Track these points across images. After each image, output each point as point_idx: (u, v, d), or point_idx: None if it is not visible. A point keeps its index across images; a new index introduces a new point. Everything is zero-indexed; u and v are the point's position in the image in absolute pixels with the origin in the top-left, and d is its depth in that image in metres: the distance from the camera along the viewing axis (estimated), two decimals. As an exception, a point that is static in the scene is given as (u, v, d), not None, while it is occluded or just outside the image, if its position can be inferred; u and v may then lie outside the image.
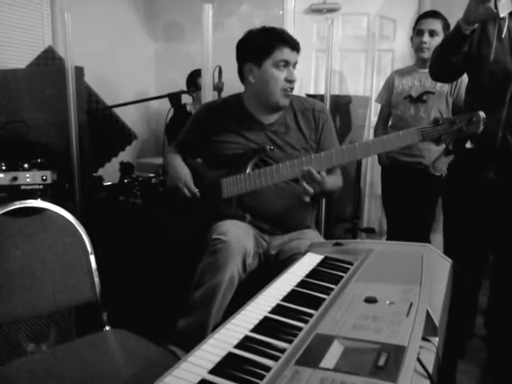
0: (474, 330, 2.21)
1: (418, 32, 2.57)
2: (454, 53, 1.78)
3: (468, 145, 1.77)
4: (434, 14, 2.56)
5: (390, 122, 2.82)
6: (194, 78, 3.42)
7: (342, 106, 3.21)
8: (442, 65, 1.87)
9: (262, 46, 1.75)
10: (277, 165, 1.71)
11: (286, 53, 1.74)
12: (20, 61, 2.91)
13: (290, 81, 1.76)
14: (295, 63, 1.78)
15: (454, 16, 1.76)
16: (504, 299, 1.98)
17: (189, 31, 3.94)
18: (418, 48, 2.58)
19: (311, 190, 1.63)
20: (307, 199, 1.69)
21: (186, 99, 3.45)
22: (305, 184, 1.62)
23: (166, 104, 3.44)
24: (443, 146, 2.33)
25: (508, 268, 1.92)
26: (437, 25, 2.51)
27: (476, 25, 1.70)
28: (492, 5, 1.58)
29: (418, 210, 2.69)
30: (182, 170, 1.91)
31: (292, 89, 1.79)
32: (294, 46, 1.75)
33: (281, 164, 1.70)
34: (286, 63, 1.75)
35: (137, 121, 3.88)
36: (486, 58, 1.75)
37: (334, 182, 1.83)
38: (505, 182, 1.79)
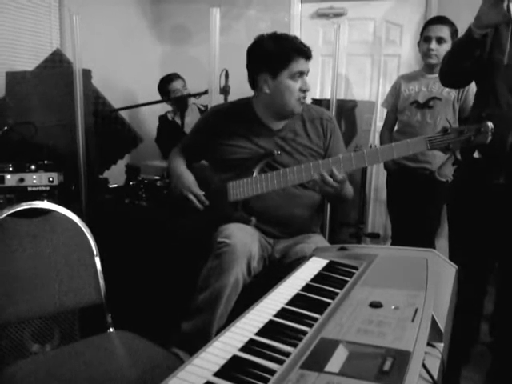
0: (478, 336, 2.20)
1: (425, 38, 2.56)
2: (465, 58, 1.76)
3: (476, 155, 1.76)
4: (441, 20, 2.55)
5: (396, 127, 2.82)
6: (164, 86, 3.34)
7: (347, 111, 3.21)
8: (453, 70, 1.85)
9: (278, 57, 1.73)
10: (284, 169, 1.71)
11: (301, 64, 1.73)
12: (28, 63, 2.92)
13: (305, 90, 1.77)
14: (308, 71, 1.78)
15: (462, 20, 1.75)
16: (510, 306, 1.96)
17: (195, 35, 3.95)
18: (425, 54, 2.58)
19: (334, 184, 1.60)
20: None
21: (167, 107, 3.44)
22: (327, 182, 1.60)
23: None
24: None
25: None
26: (444, 31, 2.50)
27: (488, 29, 1.68)
28: (505, 8, 1.56)
29: (423, 216, 2.69)
30: (187, 178, 1.91)
31: (305, 97, 1.80)
32: (308, 55, 1.75)
33: (288, 169, 1.70)
34: (301, 74, 1.75)
35: (143, 124, 3.90)
36: (498, 62, 1.73)
37: (349, 189, 1.83)
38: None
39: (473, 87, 1.97)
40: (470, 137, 1.45)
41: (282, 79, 1.74)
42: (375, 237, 3.60)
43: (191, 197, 1.85)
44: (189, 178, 1.91)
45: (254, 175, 1.76)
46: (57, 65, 2.76)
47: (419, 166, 2.65)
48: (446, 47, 2.41)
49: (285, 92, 1.76)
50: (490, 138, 1.43)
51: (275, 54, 1.74)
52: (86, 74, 2.62)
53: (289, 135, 1.84)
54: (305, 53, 1.74)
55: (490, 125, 1.42)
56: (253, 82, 1.84)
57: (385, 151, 1.58)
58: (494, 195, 1.81)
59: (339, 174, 1.59)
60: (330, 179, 1.58)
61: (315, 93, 3.81)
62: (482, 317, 2.19)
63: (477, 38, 1.68)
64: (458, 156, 1.89)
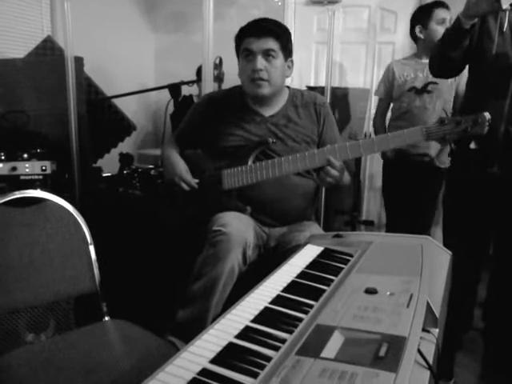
0: (471, 322, 2.22)
1: (438, 21, 2.54)
2: (454, 48, 1.76)
3: (472, 145, 1.76)
4: (445, 5, 2.57)
5: (394, 114, 2.80)
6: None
7: (341, 99, 3.19)
8: (442, 61, 1.85)
9: (236, 38, 1.78)
10: (279, 159, 1.69)
11: (248, 42, 1.72)
12: (19, 50, 2.89)
13: (254, 70, 1.73)
14: (266, 50, 1.71)
15: (457, 7, 1.74)
16: (503, 292, 1.98)
17: (189, 22, 3.91)
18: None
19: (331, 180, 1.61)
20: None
21: (188, 90, 3.40)
22: (328, 172, 1.60)
23: (165, 95, 3.44)
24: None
25: (507, 261, 1.92)
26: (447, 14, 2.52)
27: (476, 19, 1.68)
28: None
29: (419, 203, 2.69)
30: (178, 165, 1.89)
31: (261, 78, 1.74)
32: (260, 33, 1.71)
33: (283, 158, 1.68)
34: (250, 52, 1.72)
35: (136, 112, 3.87)
36: (487, 52, 1.73)
37: (347, 175, 1.81)
38: (508, 177, 1.78)
39: (466, 71, 1.96)
40: (466, 128, 1.44)
41: (240, 59, 1.79)
42: (370, 224, 3.61)
43: (182, 184, 1.84)
44: (179, 164, 1.89)
45: (249, 164, 1.75)
46: (48, 52, 2.72)
47: (419, 153, 2.63)
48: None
49: (240, 72, 1.81)
50: (486, 128, 1.42)
51: (236, 36, 1.79)
52: (78, 61, 2.58)
53: (281, 121, 1.82)
54: (252, 31, 1.72)
55: (487, 115, 1.41)
56: None
57: (381, 141, 1.57)
58: (488, 184, 1.81)
59: (337, 162, 1.58)
60: (333, 171, 1.58)
61: (309, 80, 3.79)
62: (476, 303, 2.20)
63: (465, 28, 1.68)
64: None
